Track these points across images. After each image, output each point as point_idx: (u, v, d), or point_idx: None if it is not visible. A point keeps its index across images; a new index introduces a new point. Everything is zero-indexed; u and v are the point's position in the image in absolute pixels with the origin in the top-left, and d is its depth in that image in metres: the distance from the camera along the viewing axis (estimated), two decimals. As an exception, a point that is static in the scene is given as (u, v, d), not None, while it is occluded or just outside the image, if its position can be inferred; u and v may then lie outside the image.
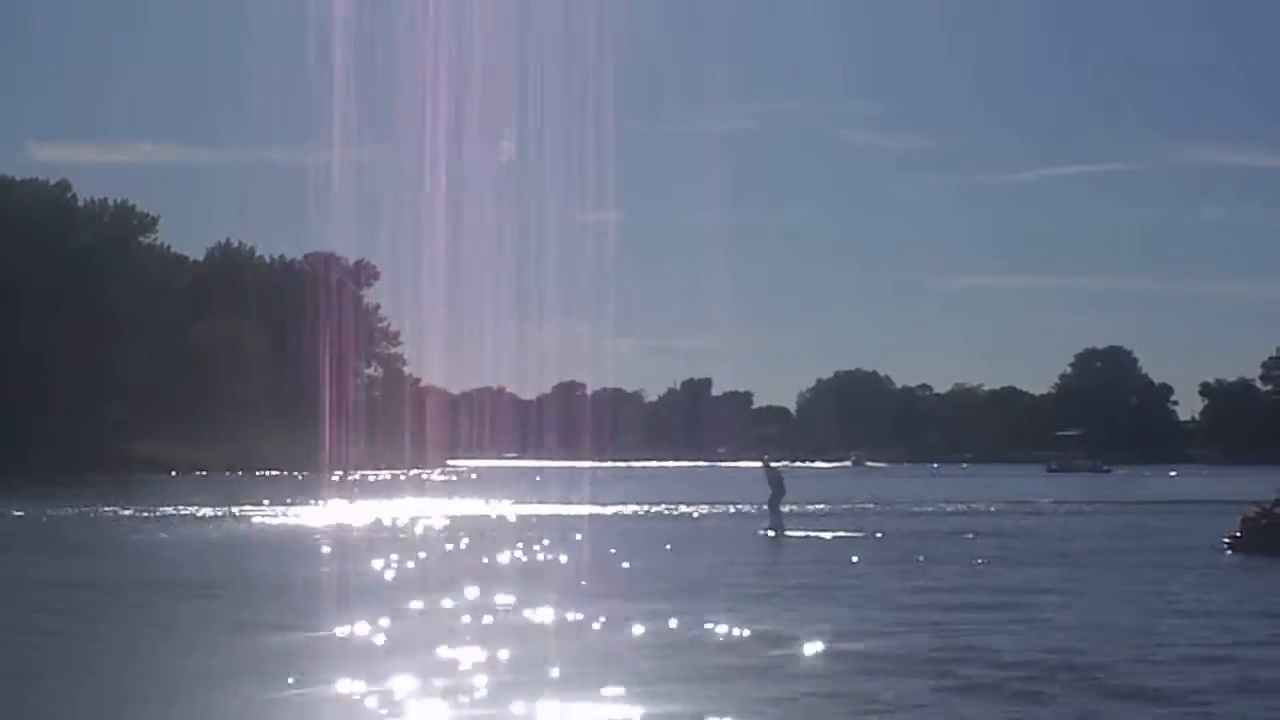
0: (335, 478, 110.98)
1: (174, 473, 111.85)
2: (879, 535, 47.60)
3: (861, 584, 30.99)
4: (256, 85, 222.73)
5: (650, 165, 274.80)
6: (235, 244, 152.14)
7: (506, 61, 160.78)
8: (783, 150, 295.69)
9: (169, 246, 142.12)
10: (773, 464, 51.94)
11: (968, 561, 37.04)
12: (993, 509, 67.34)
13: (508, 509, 61.86)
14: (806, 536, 46.40)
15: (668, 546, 41.64)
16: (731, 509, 64.19)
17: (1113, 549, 42.55)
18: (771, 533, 47.38)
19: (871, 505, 70.65)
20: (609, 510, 62.00)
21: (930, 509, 67.67)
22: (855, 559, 37.31)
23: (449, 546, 40.65)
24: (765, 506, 50.10)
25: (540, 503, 67.05)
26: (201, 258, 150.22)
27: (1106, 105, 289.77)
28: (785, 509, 50.43)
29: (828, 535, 46.94)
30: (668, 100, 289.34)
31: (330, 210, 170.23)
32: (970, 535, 47.76)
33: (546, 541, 42.00)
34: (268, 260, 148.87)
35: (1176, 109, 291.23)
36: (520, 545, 40.37)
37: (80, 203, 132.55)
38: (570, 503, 64.39)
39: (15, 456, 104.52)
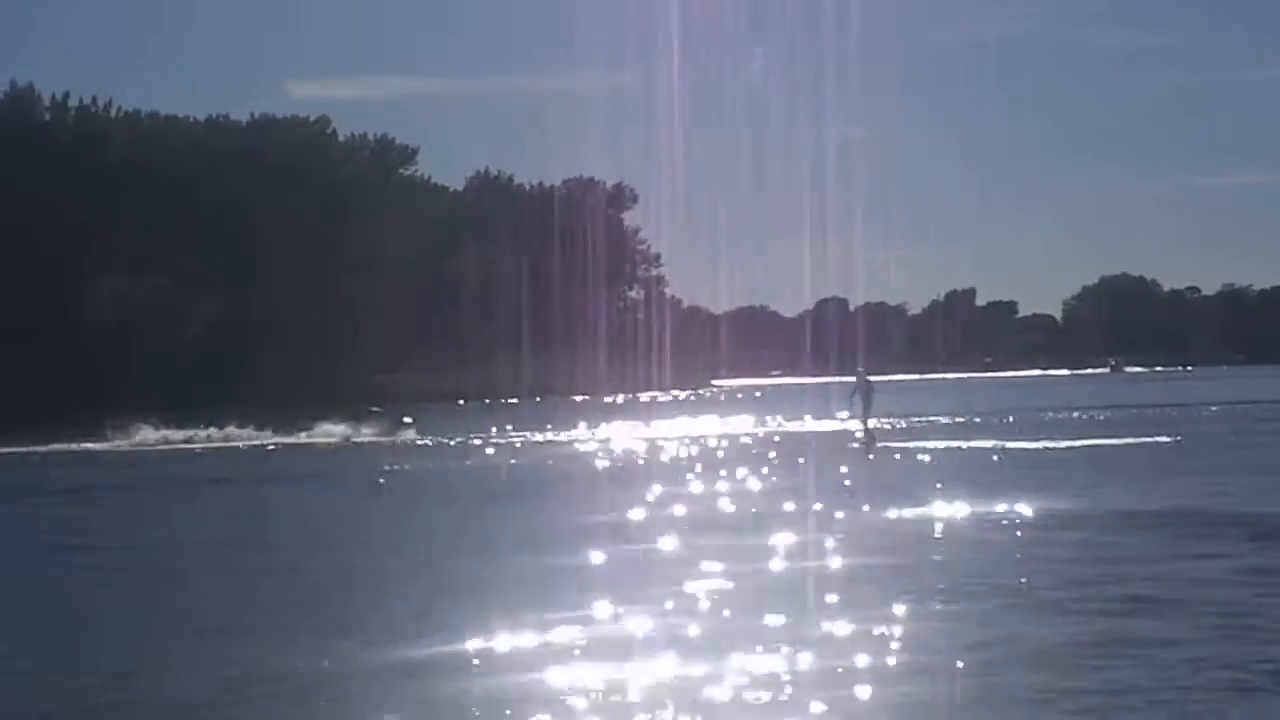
0: (609, 400, 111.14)
1: (450, 403, 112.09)
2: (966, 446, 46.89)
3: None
4: (508, 14, 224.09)
5: (906, 77, 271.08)
6: (494, 173, 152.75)
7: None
8: (1035, 55, 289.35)
9: (429, 178, 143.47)
10: (869, 377, 52.24)
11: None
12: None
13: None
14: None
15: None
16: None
17: None
18: (858, 444, 48.47)
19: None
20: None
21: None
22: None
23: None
24: (858, 418, 51.57)
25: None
26: (461, 187, 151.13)
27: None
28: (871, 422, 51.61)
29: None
30: (914, 13, 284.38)
31: (587, 136, 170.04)
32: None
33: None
34: (526, 188, 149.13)
35: None
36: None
37: (340, 138, 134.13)
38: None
39: (277, 389, 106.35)
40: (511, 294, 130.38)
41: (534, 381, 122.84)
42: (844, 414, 56.13)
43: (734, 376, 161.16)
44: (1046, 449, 45.68)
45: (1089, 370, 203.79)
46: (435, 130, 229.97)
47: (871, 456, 44.71)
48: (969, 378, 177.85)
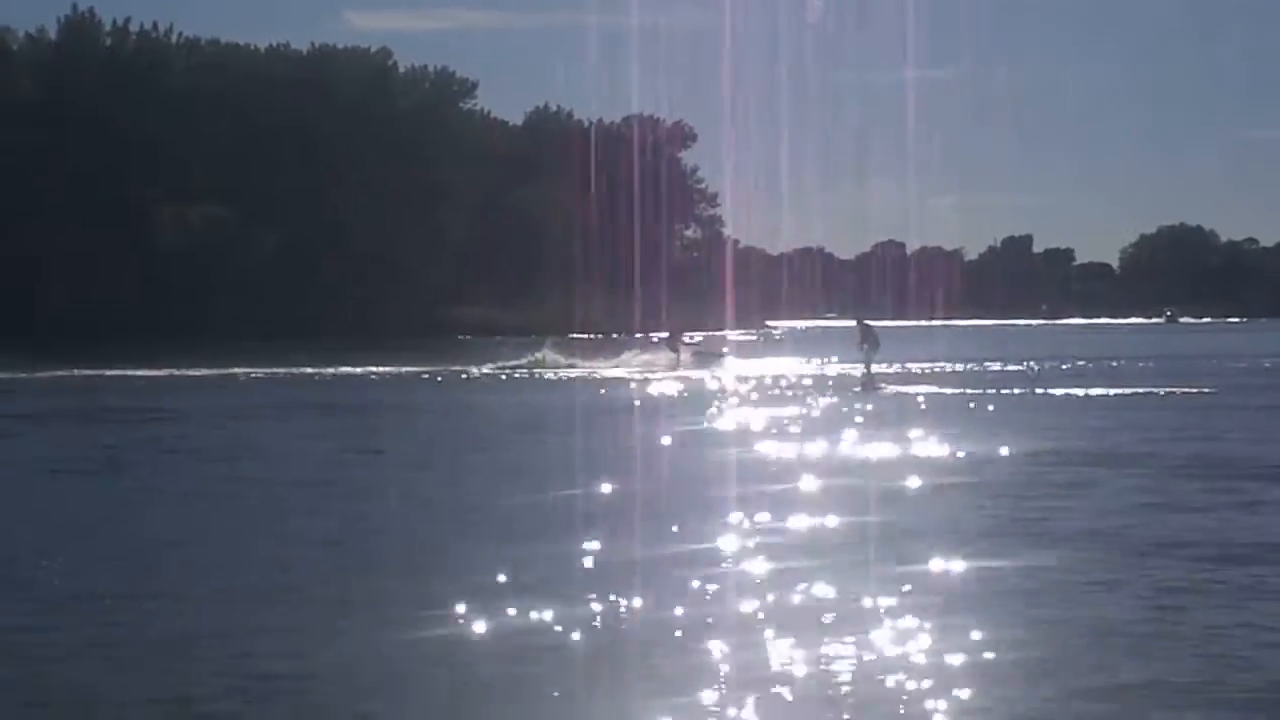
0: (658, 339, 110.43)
1: (498, 337, 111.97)
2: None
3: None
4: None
5: (963, 22, 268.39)
6: (554, 108, 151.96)
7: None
8: (1099, 2, 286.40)
9: (489, 112, 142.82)
10: (867, 322, 55.25)
11: None
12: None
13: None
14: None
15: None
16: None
17: None
18: (860, 388, 49.56)
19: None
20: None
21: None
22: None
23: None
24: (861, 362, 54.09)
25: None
26: (520, 122, 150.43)
27: None
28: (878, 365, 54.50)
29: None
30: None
31: (647, 73, 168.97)
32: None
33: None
34: (586, 124, 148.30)
35: None
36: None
37: (401, 70, 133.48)
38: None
39: (334, 319, 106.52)
40: (570, 230, 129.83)
41: (592, 317, 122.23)
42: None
43: (790, 318, 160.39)
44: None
45: (1144, 320, 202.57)
46: (495, 64, 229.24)
47: (866, 394, 46.07)
48: (1021, 324, 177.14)
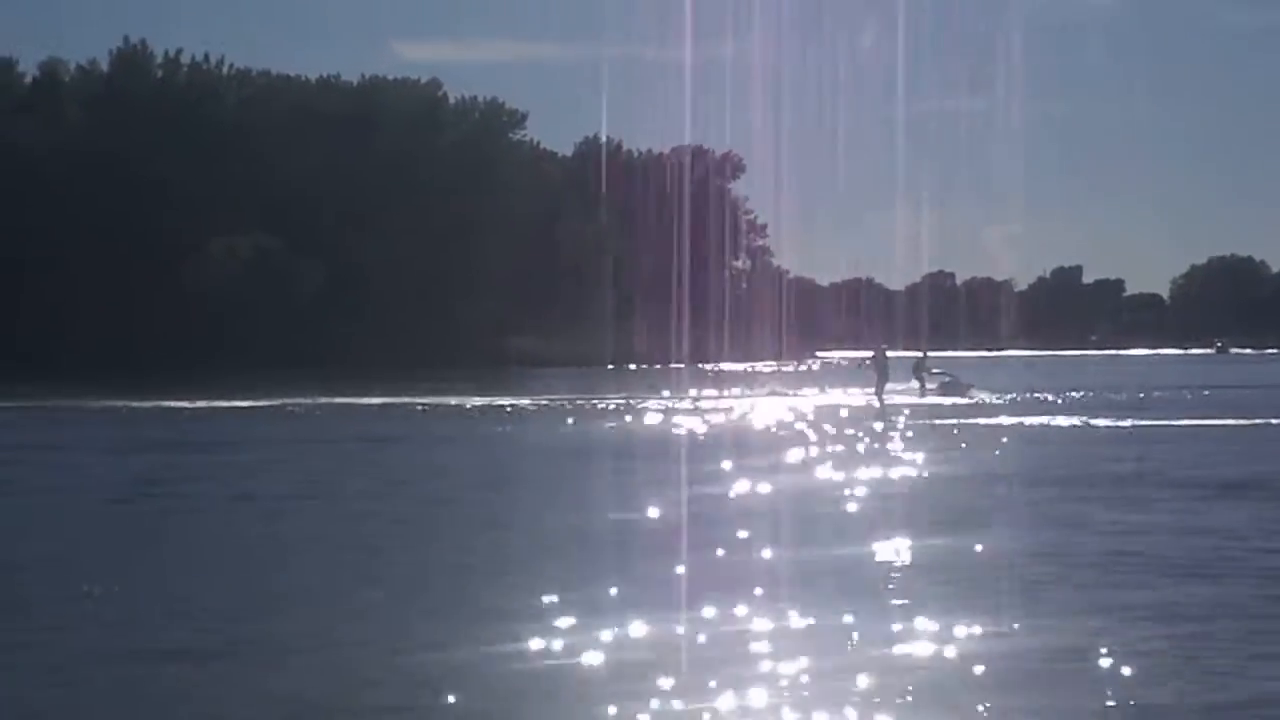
0: (714, 368, 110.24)
1: (563, 368, 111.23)
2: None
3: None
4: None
5: (1016, 52, 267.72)
6: (603, 139, 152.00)
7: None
8: (1152, 33, 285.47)
9: (538, 142, 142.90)
10: (887, 352, 60.34)
11: None
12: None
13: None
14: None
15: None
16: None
17: None
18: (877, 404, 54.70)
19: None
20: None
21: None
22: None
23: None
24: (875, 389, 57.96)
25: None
26: (570, 153, 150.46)
27: None
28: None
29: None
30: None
31: (696, 104, 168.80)
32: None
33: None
34: (635, 154, 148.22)
35: None
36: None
37: (450, 101, 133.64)
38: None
39: (381, 350, 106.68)
40: (619, 261, 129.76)
41: (643, 349, 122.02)
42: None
43: (839, 348, 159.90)
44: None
45: (1195, 350, 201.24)
46: (544, 94, 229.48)
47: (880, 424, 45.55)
48: (1071, 355, 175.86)
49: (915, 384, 63.37)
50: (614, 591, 15.83)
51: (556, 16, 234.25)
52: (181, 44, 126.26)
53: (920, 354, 67.07)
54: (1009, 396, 61.95)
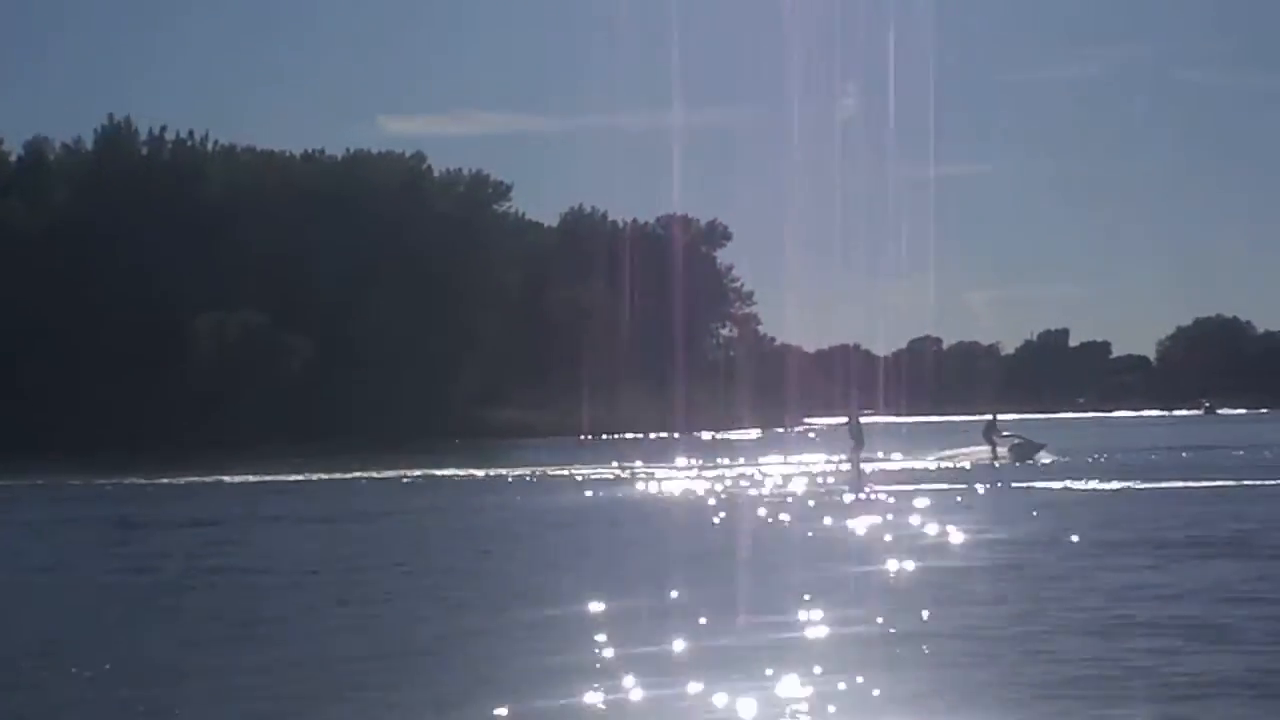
0: (706, 437, 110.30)
1: (548, 437, 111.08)
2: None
3: None
4: (599, 52, 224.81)
5: (994, 116, 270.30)
6: (588, 209, 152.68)
7: (845, 19, 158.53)
8: (1126, 95, 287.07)
9: (523, 214, 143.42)
10: (861, 418, 60.23)
11: None
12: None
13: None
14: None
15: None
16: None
17: None
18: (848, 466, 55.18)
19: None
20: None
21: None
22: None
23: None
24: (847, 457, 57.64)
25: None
26: (555, 224, 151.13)
27: None
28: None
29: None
30: (1008, 50, 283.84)
31: (680, 173, 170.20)
32: None
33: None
34: (620, 224, 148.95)
35: None
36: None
37: (435, 174, 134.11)
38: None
39: (370, 423, 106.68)
40: (606, 330, 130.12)
41: (627, 418, 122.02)
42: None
43: (825, 415, 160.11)
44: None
45: (1182, 411, 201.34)
46: (528, 166, 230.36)
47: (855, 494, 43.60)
48: (1058, 418, 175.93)
49: (987, 447, 62.36)
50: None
51: (541, 89, 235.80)
52: (165, 120, 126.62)
53: (990, 417, 65.24)
54: (1089, 458, 61.52)
